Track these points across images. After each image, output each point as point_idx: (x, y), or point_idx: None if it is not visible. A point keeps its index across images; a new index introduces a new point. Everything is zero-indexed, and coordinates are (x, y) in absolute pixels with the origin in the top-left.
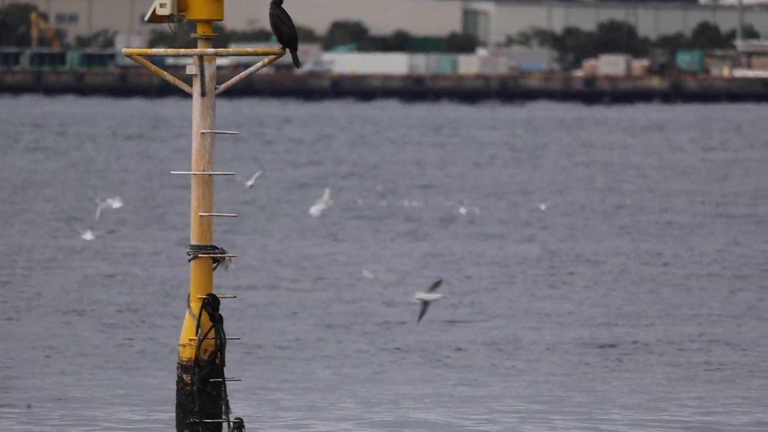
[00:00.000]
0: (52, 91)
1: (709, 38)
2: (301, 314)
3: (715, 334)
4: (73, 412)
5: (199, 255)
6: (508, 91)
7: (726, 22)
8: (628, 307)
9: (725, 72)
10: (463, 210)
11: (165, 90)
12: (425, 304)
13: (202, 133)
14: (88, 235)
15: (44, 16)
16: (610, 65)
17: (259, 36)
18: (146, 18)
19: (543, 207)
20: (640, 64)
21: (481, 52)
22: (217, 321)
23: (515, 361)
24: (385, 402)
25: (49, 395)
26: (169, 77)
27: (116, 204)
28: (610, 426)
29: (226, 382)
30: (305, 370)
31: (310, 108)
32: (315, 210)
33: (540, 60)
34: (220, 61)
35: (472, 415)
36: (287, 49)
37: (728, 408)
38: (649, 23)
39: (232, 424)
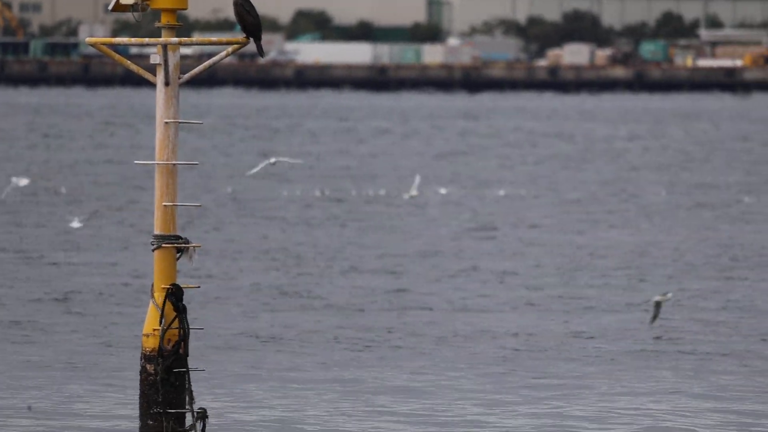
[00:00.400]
0: (16, 80)
1: (673, 28)
2: (266, 304)
3: (677, 322)
4: (24, 403)
5: (163, 245)
6: (472, 80)
7: (690, 12)
8: (593, 295)
9: (689, 61)
10: (443, 191)
11: (129, 79)
12: (658, 305)
13: (166, 123)
14: (75, 223)
15: (8, 5)
16: (573, 55)
17: (222, 25)
18: (110, 7)
19: (502, 193)
20: (603, 54)
21: (452, 41)
22: (180, 311)
23: (486, 348)
24: (354, 391)
25: (8, 384)
26: (133, 66)
27: (23, 182)
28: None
29: (190, 373)
30: (270, 360)
31: (275, 97)
32: (412, 192)
33: (507, 50)
34: (184, 51)
35: (443, 405)
36: (251, 39)
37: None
38: (613, 12)
39: (195, 414)
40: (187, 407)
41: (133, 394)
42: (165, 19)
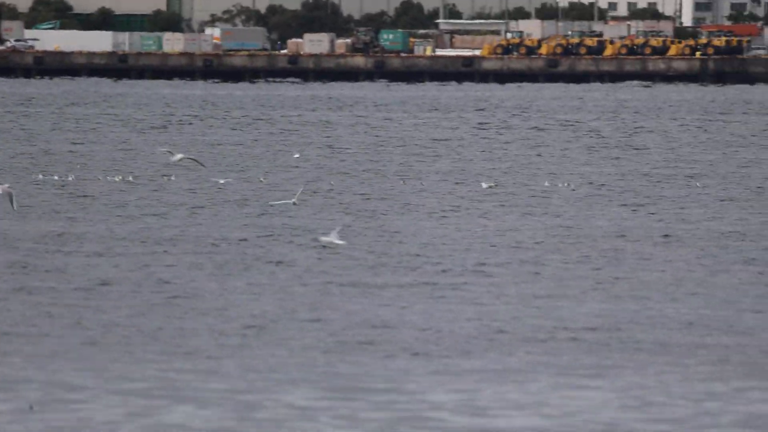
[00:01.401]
0: None
1: (413, 17)
2: (45, 294)
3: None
4: None
5: None
6: (213, 69)
7: (429, 2)
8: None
9: (428, 51)
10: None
11: None
12: None
13: None
14: None
15: None
16: (313, 44)
17: None
18: None
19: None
20: (343, 43)
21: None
22: None
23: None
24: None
25: None
26: None
27: None
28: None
29: None
30: (48, 347)
31: (15, 85)
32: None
33: (258, 39)
34: None
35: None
36: None
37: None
38: (353, 2)
39: None
40: None
41: None
42: None
